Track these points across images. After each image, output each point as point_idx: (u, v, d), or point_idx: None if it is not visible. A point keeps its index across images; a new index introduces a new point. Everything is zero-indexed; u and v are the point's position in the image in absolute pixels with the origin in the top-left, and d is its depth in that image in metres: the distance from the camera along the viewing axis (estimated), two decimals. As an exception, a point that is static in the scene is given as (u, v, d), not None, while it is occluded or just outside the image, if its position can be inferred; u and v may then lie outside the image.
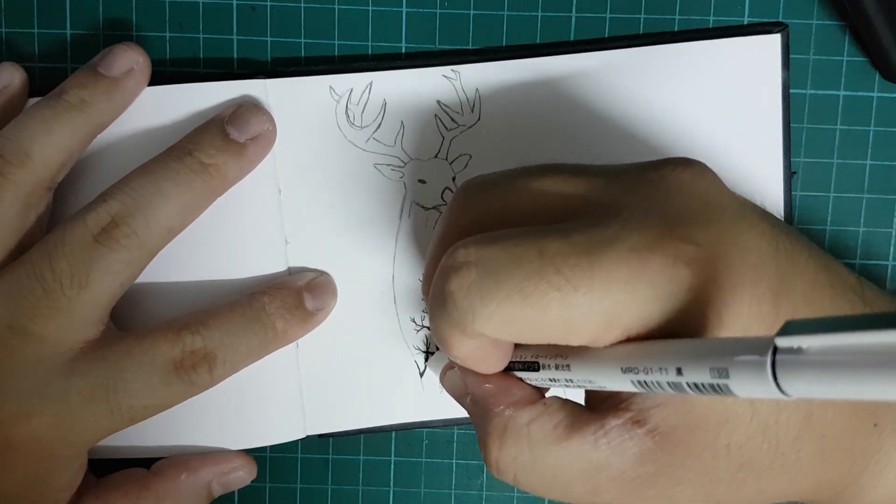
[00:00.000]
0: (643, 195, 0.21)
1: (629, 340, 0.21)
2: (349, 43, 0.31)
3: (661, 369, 0.19)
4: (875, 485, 0.23)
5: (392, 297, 0.32)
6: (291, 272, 0.31)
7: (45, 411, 0.27)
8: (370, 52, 0.31)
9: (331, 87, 0.31)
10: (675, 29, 0.31)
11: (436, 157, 0.31)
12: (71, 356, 0.27)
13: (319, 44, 0.31)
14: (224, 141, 0.29)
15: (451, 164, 0.31)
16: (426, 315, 0.32)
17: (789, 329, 0.16)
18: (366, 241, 0.31)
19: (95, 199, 0.28)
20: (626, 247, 0.20)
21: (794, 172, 0.31)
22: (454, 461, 0.33)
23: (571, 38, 0.31)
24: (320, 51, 0.31)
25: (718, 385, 0.18)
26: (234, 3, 0.31)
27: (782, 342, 0.16)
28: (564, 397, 0.24)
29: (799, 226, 0.32)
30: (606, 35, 0.31)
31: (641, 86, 0.30)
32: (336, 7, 0.31)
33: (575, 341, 0.21)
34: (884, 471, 0.23)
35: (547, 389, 0.25)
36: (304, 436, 0.32)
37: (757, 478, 0.22)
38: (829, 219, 0.32)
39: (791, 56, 0.31)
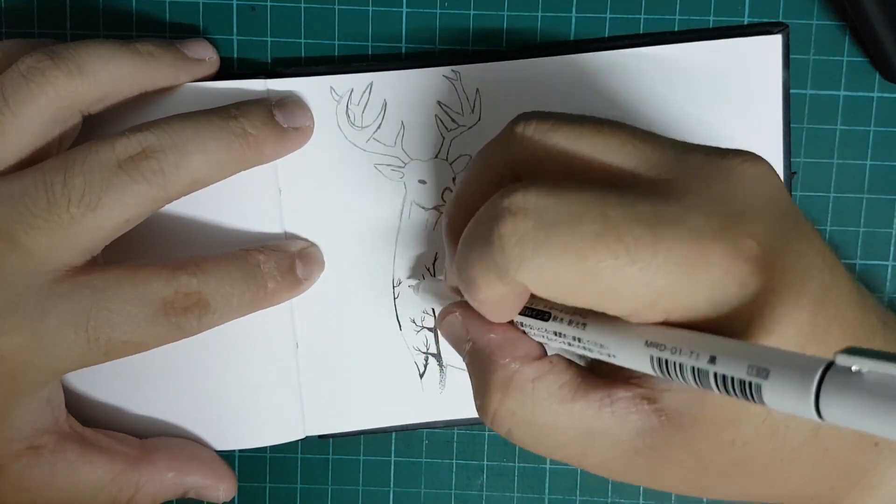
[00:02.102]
0: (708, 181, 0.21)
1: (664, 325, 0.20)
2: (349, 43, 0.31)
3: (692, 353, 0.18)
4: (865, 501, 0.23)
5: (392, 298, 0.32)
6: (287, 236, 0.31)
7: (18, 330, 0.25)
8: (370, 52, 0.31)
9: (331, 87, 0.30)
10: (675, 29, 0.31)
11: (436, 157, 0.31)
12: (54, 277, 0.26)
13: (319, 44, 0.31)
14: (269, 119, 0.29)
15: (451, 164, 0.31)
16: (426, 315, 0.32)
17: (849, 352, 0.16)
18: (366, 241, 0.31)
19: (129, 128, 0.27)
20: (689, 230, 0.19)
21: (794, 172, 0.31)
22: (454, 461, 0.33)
23: (571, 38, 0.31)
24: (320, 51, 0.31)
25: (751, 384, 0.17)
26: (234, 3, 0.31)
27: (841, 360, 0.16)
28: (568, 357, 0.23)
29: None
30: (606, 35, 0.31)
31: (641, 86, 0.30)
32: (336, 7, 0.31)
33: (612, 311, 0.20)
34: (876, 488, 0.23)
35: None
36: (303, 436, 0.32)
37: (747, 476, 0.22)
38: (829, 219, 0.32)
39: (791, 56, 0.31)
